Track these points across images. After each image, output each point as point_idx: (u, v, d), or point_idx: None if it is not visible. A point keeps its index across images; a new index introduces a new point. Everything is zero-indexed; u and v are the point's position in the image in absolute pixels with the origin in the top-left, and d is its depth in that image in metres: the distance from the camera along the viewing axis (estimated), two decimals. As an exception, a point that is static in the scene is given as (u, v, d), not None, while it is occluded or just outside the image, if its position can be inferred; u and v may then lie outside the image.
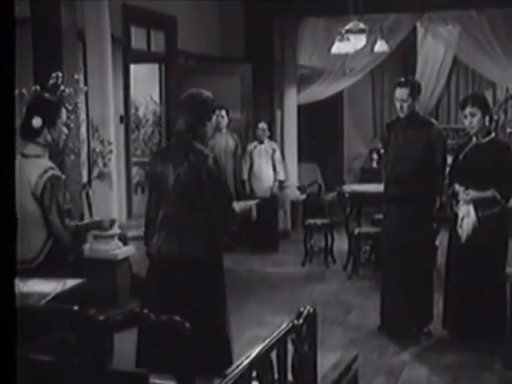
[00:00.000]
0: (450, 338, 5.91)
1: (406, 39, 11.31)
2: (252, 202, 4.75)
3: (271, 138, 10.25)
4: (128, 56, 8.61)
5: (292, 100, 10.97)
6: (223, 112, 9.41)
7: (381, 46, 8.82)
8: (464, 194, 5.65)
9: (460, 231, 5.69)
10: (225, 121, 9.49)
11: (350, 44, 8.20)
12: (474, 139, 5.78)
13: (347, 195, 8.44)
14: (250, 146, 9.72)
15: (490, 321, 5.68)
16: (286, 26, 10.69)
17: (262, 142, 9.68)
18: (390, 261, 6.08)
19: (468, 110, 5.66)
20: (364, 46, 8.64)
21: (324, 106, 11.84)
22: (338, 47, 8.36)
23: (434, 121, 6.16)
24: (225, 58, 10.47)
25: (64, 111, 4.15)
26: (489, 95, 12.26)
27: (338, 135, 13.39)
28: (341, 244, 8.92)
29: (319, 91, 11.10)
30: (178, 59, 9.80)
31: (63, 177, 4.08)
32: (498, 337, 5.67)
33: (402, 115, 5.94)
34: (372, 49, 9.20)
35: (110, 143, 6.89)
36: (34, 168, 3.93)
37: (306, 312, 2.99)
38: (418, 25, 11.39)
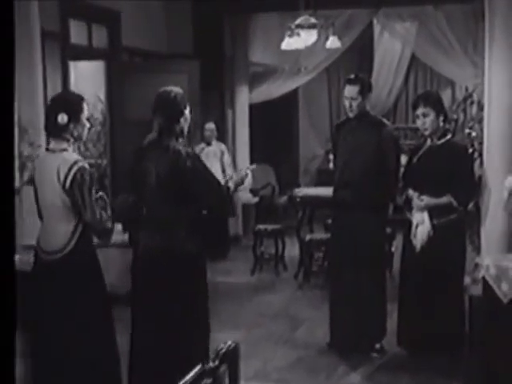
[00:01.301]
0: (405, 355, 5.48)
1: (362, 36, 10.94)
2: (246, 169, 4.59)
3: (222, 138, 9.83)
4: (66, 52, 8.07)
5: (244, 99, 10.51)
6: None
7: (333, 43, 8.36)
8: (418, 200, 5.24)
9: (414, 240, 5.27)
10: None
11: (300, 40, 7.75)
12: (429, 141, 5.38)
13: (299, 200, 8.00)
14: (197, 148, 9.22)
15: (446, 337, 5.28)
16: (236, 21, 10.23)
17: (209, 144, 9.20)
18: (339, 271, 5.67)
19: (420, 111, 5.25)
20: (316, 41, 8.20)
21: (278, 105, 11.40)
22: (288, 43, 7.91)
23: (385, 121, 5.72)
24: (172, 55, 9.96)
25: (86, 105, 4.21)
26: (448, 94, 12.00)
27: (293, 135, 12.94)
28: (293, 250, 8.48)
29: (272, 90, 10.65)
30: (122, 56, 9.28)
31: (90, 168, 4.16)
32: (456, 354, 5.27)
33: (351, 114, 5.54)
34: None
35: (39, 146, 6.34)
36: (62, 162, 4.03)
37: (224, 349, 2.52)
38: (375, 21, 11.01)
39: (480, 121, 7.57)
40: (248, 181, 4.50)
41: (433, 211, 5.18)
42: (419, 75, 12.78)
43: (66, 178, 4.00)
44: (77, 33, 8.47)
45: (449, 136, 5.39)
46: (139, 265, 4.30)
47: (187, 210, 4.19)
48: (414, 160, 5.43)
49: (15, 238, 2.54)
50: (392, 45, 12.04)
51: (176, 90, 4.31)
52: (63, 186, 4.01)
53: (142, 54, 9.84)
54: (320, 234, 7.91)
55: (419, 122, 5.30)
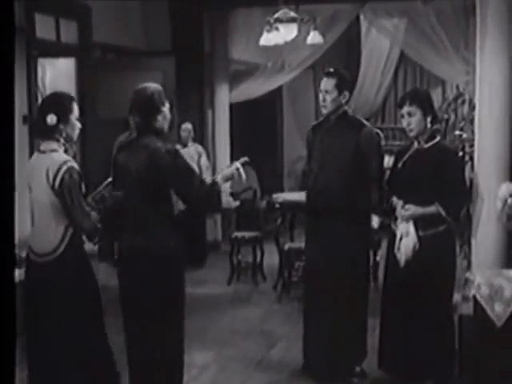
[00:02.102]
0: (388, 380, 4.97)
1: (349, 33, 10.54)
2: (237, 163, 4.28)
3: (201, 139, 9.38)
4: (32, 48, 7.56)
5: (224, 98, 10.01)
6: (142, 112, 8.47)
7: (314, 38, 7.86)
8: (402, 209, 4.74)
9: (398, 254, 4.77)
10: (144, 121, 8.53)
11: (279, 35, 7.26)
12: (416, 144, 4.88)
13: (278, 206, 7.50)
14: (173, 150, 8.73)
15: (434, 360, 4.76)
16: (216, 16, 9.74)
17: (185, 145, 8.69)
18: (313, 285, 5.16)
19: (406, 109, 4.75)
20: (297, 37, 7.71)
21: (261, 104, 10.94)
22: (267, 38, 7.42)
23: (365, 121, 5.20)
24: (149, 52, 9.48)
25: (76, 105, 4.19)
26: (438, 93, 11.61)
27: (277, 136, 12.44)
28: (274, 258, 7.93)
29: (254, 88, 10.14)
30: (93, 52, 8.79)
31: (78, 168, 4.11)
32: (445, 379, 4.78)
33: (324, 110, 5.10)
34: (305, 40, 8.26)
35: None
36: (51, 162, 4.02)
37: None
38: (362, 18, 10.57)
39: (471, 121, 7.11)
40: (236, 175, 4.19)
41: (419, 222, 4.67)
42: (408, 73, 12.46)
43: (54, 178, 3.98)
44: (43, 28, 7.98)
45: (438, 138, 4.88)
46: (122, 265, 4.19)
47: (168, 209, 4.12)
48: (399, 164, 4.93)
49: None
50: (380, 42, 11.68)
51: (153, 86, 4.19)
52: (52, 187, 3.99)
53: (117, 51, 9.39)
54: (300, 243, 7.33)
55: (404, 122, 4.81)
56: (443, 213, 4.60)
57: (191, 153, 8.70)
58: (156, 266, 4.02)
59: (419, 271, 4.66)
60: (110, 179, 4.25)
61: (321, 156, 5.09)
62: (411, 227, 4.68)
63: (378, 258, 7.35)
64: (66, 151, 4.17)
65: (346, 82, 5.11)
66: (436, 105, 5.32)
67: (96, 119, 8.66)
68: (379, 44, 11.74)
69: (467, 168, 5.76)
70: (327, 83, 5.04)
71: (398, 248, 4.74)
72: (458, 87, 10.64)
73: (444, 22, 9.18)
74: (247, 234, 8.01)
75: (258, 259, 7.94)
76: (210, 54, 9.84)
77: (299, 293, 7.05)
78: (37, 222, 4.17)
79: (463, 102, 9.32)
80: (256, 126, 11.66)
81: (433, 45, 9.26)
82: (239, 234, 8.02)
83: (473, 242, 5.10)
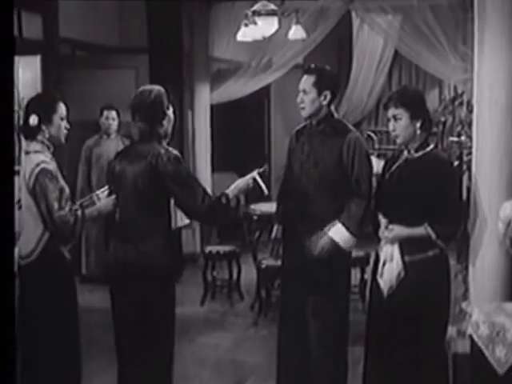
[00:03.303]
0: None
1: (341, 30, 9.89)
2: (253, 173, 4.20)
3: (180, 143, 8.83)
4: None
5: (204, 98, 9.38)
6: (113, 113, 7.93)
7: (296, 33, 7.21)
8: (386, 229, 4.05)
9: (381, 281, 4.08)
10: (115, 124, 7.95)
11: (257, 29, 6.63)
12: (406, 152, 4.18)
13: (256, 218, 6.84)
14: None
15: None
16: (195, 10, 9.09)
17: (159, 150, 8.08)
18: (288, 315, 4.59)
19: (391, 112, 4.06)
20: (280, 32, 7.08)
21: (247, 106, 10.32)
22: (244, 33, 6.80)
23: (350, 126, 4.51)
24: (120, 48, 8.88)
25: (62, 106, 4.13)
26: (435, 94, 11.07)
27: (264, 139, 11.80)
28: (253, 273, 7.24)
29: (237, 88, 9.47)
30: (61, 49, 8.18)
31: (54, 169, 4.03)
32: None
33: (302, 113, 4.46)
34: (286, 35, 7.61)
35: None
36: (30, 163, 4.01)
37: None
38: (354, 14, 9.93)
39: (470, 125, 6.45)
40: (251, 187, 4.18)
41: (405, 245, 3.98)
42: (403, 73, 11.86)
43: (29, 179, 3.94)
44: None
45: (431, 146, 4.17)
46: (110, 280, 4.01)
47: (165, 221, 3.91)
48: (386, 176, 4.24)
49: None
50: (373, 40, 11.05)
51: (157, 89, 4.02)
52: (28, 189, 3.96)
53: (89, 48, 8.81)
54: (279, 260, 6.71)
55: (390, 127, 4.13)
56: (433, 236, 3.90)
57: (165, 158, 8.11)
58: (146, 283, 3.82)
59: (405, 302, 3.97)
60: (105, 187, 4.15)
61: (299, 166, 4.48)
62: (396, 251, 4.00)
63: (365, 276, 6.67)
64: (52, 153, 4.09)
65: (328, 80, 4.44)
66: (432, 107, 4.62)
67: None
68: (372, 42, 11.15)
69: (464, 179, 5.07)
70: (305, 81, 4.43)
71: (381, 274, 4.06)
72: (455, 88, 10.06)
73: (440, 17, 8.68)
74: (222, 249, 7.32)
75: (235, 276, 7.28)
76: (189, 52, 9.23)
77: (278, 315, 6.41)
78: (22, 226, 4.08)
79: (461, 104, 8.71)
80: (241, 129, 11.04)
81: (428, 42, 8.77)
82: (214, 249, 7.33)
83: (470, 269, 4.39)
